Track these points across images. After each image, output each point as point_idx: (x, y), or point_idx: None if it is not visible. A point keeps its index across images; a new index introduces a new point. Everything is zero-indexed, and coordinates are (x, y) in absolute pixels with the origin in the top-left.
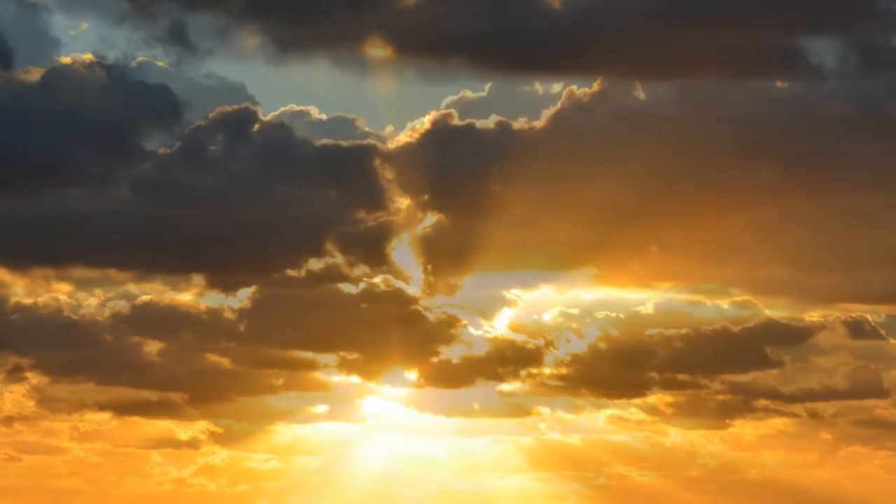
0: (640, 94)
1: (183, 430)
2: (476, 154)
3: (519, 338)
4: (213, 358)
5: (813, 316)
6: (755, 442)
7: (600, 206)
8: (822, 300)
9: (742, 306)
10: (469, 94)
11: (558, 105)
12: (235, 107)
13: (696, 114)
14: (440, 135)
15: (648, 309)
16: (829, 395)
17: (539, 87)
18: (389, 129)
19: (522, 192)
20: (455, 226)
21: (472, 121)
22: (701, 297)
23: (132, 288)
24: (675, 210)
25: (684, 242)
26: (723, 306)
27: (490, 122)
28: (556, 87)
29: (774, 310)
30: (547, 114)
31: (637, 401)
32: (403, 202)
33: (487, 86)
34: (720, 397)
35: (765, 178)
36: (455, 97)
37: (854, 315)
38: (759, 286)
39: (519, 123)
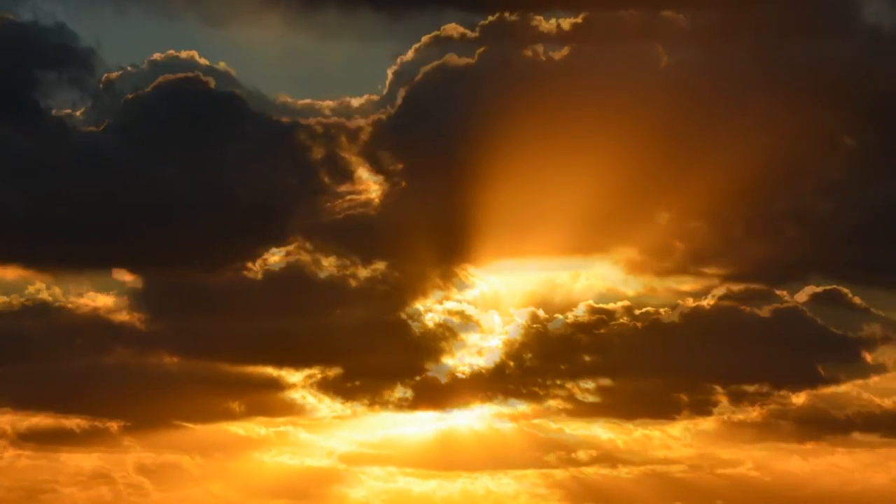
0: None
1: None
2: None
3: (538, 344)
4: (150, 375)
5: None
6: None
7: (638, 172)
8: None
9: (829, 300)
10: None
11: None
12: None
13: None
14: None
15: (702, 304)
16: None
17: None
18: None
19: (527, 157)
20: (450, 207)
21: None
22: (768, 287)
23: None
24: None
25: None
26: (801, 300)
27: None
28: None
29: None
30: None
31: (693, 422)
32: (378, 181)
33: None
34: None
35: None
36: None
37: None
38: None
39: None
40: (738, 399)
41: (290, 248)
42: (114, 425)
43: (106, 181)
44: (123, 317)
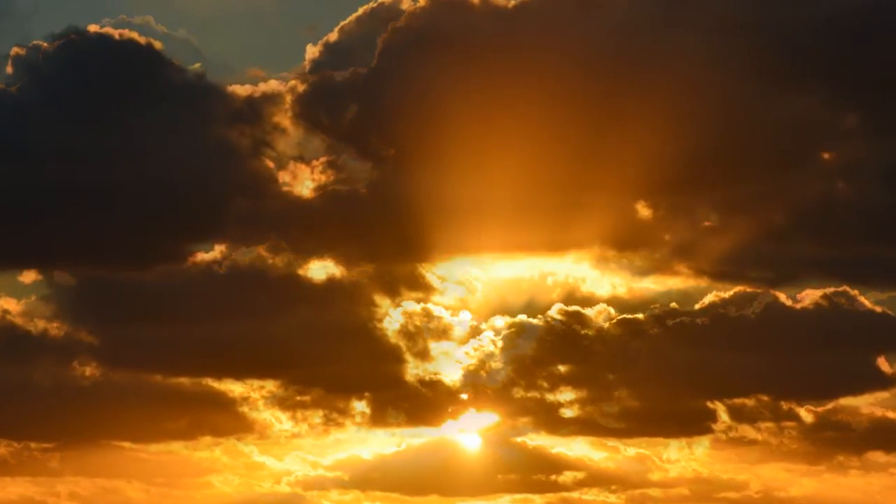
0: None
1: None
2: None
3: (541, 352)
4: (83, 390)
5: None
6: None
7: (659, 153)
8: None
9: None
10: None
11: None
12: None
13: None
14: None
15: (718, 305)
16: None
17: None
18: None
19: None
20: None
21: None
22: (791, 290)
23: None
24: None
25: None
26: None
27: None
28: None
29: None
30: None
31: (691, 440)
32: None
33: None
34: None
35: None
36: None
37: None
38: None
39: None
40: (738, 416)
41: (262, 247)
42: (43, 447)
43: (40, 166)
44: (53, 324)
